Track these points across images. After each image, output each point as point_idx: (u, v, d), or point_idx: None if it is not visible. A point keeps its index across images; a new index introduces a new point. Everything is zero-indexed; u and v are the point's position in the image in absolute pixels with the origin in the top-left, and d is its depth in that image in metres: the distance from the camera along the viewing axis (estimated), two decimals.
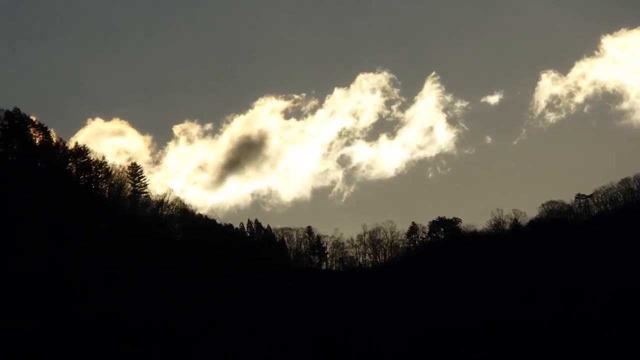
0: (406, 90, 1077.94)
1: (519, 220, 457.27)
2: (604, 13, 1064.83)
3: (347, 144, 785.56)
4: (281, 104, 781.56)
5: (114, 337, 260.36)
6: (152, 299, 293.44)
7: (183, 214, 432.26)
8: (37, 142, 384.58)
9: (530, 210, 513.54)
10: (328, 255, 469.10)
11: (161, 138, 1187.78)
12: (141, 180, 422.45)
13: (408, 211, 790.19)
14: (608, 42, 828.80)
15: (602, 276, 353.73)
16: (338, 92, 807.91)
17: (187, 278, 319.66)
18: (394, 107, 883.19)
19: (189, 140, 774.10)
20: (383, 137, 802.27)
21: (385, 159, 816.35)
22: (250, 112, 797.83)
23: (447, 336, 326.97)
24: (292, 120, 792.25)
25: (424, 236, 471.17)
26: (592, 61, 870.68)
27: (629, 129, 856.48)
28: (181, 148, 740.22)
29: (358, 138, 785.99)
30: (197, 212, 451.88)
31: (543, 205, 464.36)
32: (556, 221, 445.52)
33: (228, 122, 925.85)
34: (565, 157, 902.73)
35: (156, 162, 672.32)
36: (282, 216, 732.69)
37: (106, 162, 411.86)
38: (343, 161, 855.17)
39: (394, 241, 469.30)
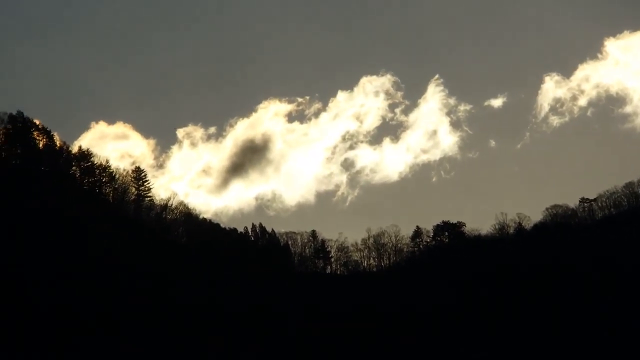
0: (410, 93, 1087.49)
1: (523, 224, 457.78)
2: (607, 16, 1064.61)
3: (351, 147, 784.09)
4: (285, 107, 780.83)
5: (117, 340, 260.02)
6: (156, 302, 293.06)
7: (187, 218, 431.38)
8: (40, 145, 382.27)
9: (534, 214, 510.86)
10: (332, 259, 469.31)
11: (165, 142, 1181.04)
12: (145, 184, 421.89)
13: (412, 215, 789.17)
14: (611, 45, 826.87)
15: (605, 279, 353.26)
16: (341, 95, 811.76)
17: (191, 282, 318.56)
18: (397, 111, 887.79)
19: (193, 144, 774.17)
20: (387, 141, 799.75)
21: (389, 162, 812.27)
22: (254, 116, 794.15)
23: (447, 336, 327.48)
24: (296, 124, 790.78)
25: (428, 240, 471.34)
26: (596, 64, 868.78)
27: (632, 133, 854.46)
28: (185, 152, 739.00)
29: (362, 142, 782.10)
30: (201, 216, 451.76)
31: (547, 209, 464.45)
32: (560, 225, 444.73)
33: (232, 126, 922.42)
34: (569, 160, 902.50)
35: (160, 166, 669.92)
36: (286, 220, 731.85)
37: (110, 166, 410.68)
38: (347, 165, 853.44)
39: (398, 245, 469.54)
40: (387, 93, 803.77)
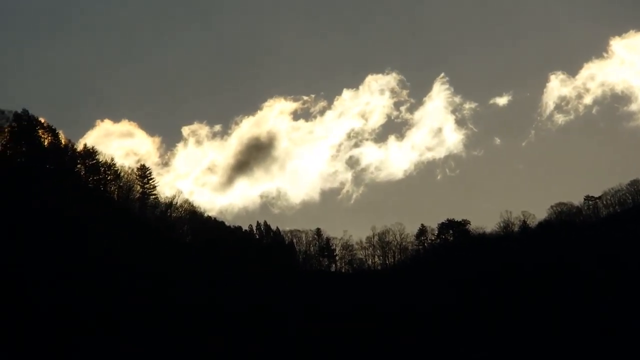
0: (415, 91, 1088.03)
1: (528, 222, 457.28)
2: (613, 15, 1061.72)
3: (356, 145, 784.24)
4: (290, 105, 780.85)
5: (117, 340, 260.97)
6: (156, 302, 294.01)
7: (192, 216, 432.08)
8: (45, 143, 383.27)
9: (539, 212, 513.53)
10: (337, 257, 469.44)
11: (170, 139, 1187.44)
12: (150, 181, 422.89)
13: (417, 213, 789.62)
14: (617, 44, 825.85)
15: (610, 277, 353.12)
16: (347, 94, 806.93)
17: (191, 281, 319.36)
18: (402, 109, 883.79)
19: (198, 142, 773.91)
20: (392, 139, 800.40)
21: (394, 160, 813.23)
22: (259, 114, 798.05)
23: (447, 336, 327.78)
24: (301, 122, 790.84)
25: (433, 238, 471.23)
26: (601, 63, 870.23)
27: (637, 131, 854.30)
28: (190, 149, 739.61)
29: (367, 139, 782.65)
30: (205, 214, 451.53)
31: (552, 207, 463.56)
32: (565, 223, 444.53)
33: (237, 124, 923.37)
34: (574, 158, 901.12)
35: (165, 164, 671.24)
36: (291, 218, 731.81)
37: (115, 164, 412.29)
38: (352, 163, 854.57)
39: (403, 243, 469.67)
40: (392, 91, 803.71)
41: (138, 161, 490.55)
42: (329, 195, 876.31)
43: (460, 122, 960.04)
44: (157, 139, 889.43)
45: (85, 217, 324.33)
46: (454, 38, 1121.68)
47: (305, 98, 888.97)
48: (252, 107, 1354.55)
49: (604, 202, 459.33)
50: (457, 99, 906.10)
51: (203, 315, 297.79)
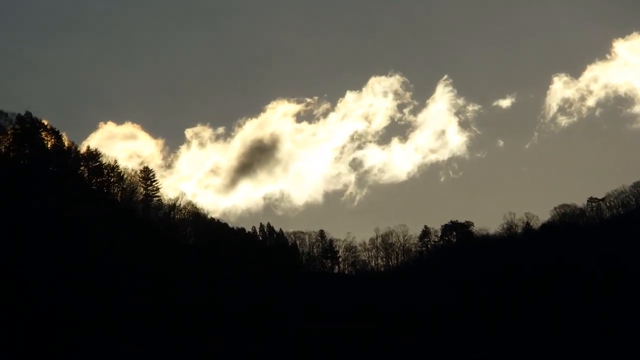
0: (418, 93, 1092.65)
1: (531, 224, 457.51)
2: (616, 17, 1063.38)
3: (359, 147, 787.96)
4: (293, 108, 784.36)
5: (117, 340, 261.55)
6: (161, 300, 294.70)
7: (195, 218, 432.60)
8: (48, 146, 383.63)
9: (542, 214, 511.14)
10: (340, 259, 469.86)
11: (173, 142, 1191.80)
12: (153, 184, 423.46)
13: (420, 215, 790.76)
14: (620, 46, 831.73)
15: (613, 279, 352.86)
16: (350, 96, 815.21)
17: (191, 282, 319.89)
18: (406, 111, 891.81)
19: (201, 144, 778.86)
20: (395, 141, 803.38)
21: (397, 162, 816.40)
22: (262, 116, 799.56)
23: (447, 336, 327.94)
24: (304, 124, 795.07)
25: (436, 240, 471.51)
26: (604, 65, 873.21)
27: None
28: (193, 152, 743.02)
29: (370, 141, 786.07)
30: (209, 216, 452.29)
31: (555, 208, 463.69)
32: (568, 225, 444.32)
33: (240, 126, 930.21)
34: (577, 160, 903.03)
35: (168, 166, 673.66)
36: (294, 220, 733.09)
37: (118, 166, 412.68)
38: (355, 165, 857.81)
39: (406, 245, 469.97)
40: (395, 93, 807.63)
41: (141, 163, 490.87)
42: (333, 197, 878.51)
43: (463, 124, 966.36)
44: (161, 141, 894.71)
45: (86, 217, 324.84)
46: (457, 40, 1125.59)
47: (309, 100, 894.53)
48: (255, 109, 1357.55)
49: (607, 204, 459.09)
50: (461, 101, 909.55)
51: (203, 316, 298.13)
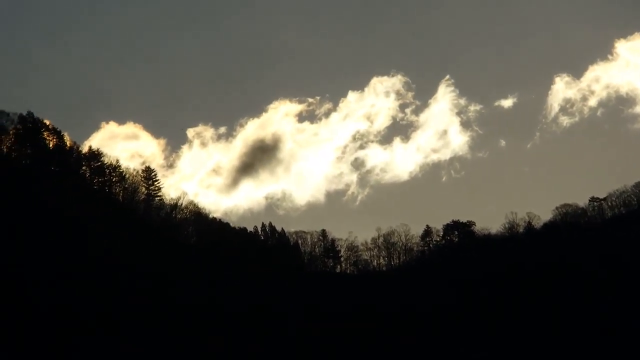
0: (420, 93, 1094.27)
1: (533, 224, 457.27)
2: (618, 17, 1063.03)
3: (361, 147, 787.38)
4: (295, 107, 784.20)
5: (117, 340, 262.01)
6: (161, 300, 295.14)
7: (197, 218, 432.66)
8: (50, 146, 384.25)
9: (544, 214, 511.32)
10: (342, 259, 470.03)
11: (175, 141, 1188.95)
12: (155, 183, 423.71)
13: (422, 214, 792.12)
14: (621, 46, 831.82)
15: (614, 279, 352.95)
16: (352, 96, 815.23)
17: (191, 282, 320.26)
18: (408, 111, 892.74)
19: (203, 144, 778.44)
20: (397, 141, 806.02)
21: (399, 162, 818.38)
22: (264, 116, 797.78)
23: (447, 336, 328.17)
24: (306, 124, 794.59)
25: (438, 239, 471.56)
26: (606, 65, 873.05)
27: None
28: (195, 151, 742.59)
29: (372, 141, 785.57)
30: (210, 216, 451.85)
31: (557, 208, 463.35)
32: (570, 224, 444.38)
33: (242, 126, 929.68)
34: (578, 160, 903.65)
35: (170, 166, 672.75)
36: (296, 219, 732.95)
37: (120, 166, 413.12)
38: (357, 164, 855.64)
39: (408, 244, 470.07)
40: (397, 93, 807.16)
41: (143, 163, 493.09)
42: (334, 197, 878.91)
43: (465, 124, 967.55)
44: (162, 141, 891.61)
45: (87, 217, 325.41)
46: (459, 40, 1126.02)
47: (311, 100, 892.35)
48: (257, 109, 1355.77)
49: (609, 204, 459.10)
50: (462, 101, 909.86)
51: (203, 315, 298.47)
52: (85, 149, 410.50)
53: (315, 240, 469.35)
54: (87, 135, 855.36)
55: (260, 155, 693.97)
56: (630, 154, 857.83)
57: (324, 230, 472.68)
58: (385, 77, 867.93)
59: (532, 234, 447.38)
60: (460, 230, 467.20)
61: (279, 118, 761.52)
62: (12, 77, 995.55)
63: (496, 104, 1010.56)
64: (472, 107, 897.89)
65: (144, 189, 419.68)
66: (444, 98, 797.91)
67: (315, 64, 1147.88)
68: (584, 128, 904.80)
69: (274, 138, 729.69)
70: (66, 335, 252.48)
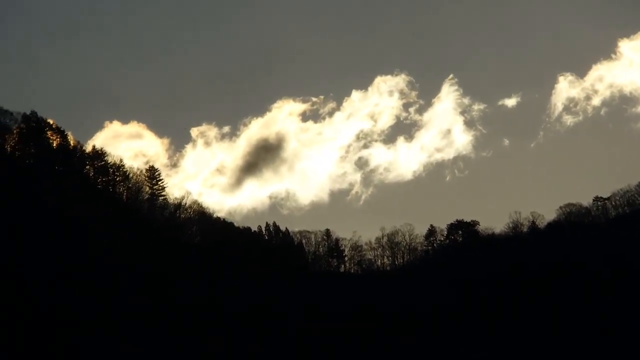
0: (424, 92, 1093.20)
1: (537, 223, 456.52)
2: (621, 16, 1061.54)
3: (365, 146, 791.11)
4: (299, 107, 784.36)
5: (117, 340, 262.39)
6: (161, 300, 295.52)
7: (200, 217, 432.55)
8: (54, 145, 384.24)
9: (548, 213, 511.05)
10: (346, 258, 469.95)
11: (179, 141, 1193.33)
12: (159, 183, 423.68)
13: (426, 214, 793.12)
14: (625, 45, 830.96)
15: (618, 278, 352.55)
16: (356, 95, 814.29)
17: (192, 281, 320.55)
18: (411, 110, 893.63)
19: (207, 143, 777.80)
20: (401, 140, 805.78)
21: (403, 161, 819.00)
22: (268, 115, 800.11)
23: (447, 336, 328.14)
24: (310, 123, 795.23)
25: (442, 239, 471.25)
26: (609, 64, 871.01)
27: None
28: (199, 151, 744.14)
29: (376, 141, 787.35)
30: (214, 215, 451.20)
31: (561, 207, 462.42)
32: (574, 224, 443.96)
33: (246, 125, 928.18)
34: (582, 159, 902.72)
35: (174, 165, 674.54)
36: (300, 219, 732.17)
37: (124, 165, 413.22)
38: (361, 164, 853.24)
39: (412, 244, 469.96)
40: (401, 92, 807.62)
41: (147, 162, 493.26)
42: (338, 196, 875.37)
43: (469, 123, 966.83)
44: (166, 140, 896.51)
45: (90, 217, 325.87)
46: (463, 39, 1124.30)
47: (314, 99, 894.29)
48: (261, 108, 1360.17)
49: (613, 203, 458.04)
50: (466, 100, 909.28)
51: (203, 315, 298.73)
52: (89, 148, 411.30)
53: (319, 239, 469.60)
54: (90, 134, 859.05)
55: (264, 155, 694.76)
56: (634, 153, 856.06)
57: (327, 230, 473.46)
58: (389, 77, 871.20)
59: (536, 233, 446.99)
60: (464, 229, 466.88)
61: (282, 117, 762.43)
62: (16, 76, 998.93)
63: (500, 103, 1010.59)
64: (475, 107, 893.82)
65: (147, 188, 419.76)
66: (448, 97, 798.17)
67: (319, 63, 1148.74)
68: (587, 127, 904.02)
69: (278, 137, 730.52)
70: (66, 335, 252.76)
